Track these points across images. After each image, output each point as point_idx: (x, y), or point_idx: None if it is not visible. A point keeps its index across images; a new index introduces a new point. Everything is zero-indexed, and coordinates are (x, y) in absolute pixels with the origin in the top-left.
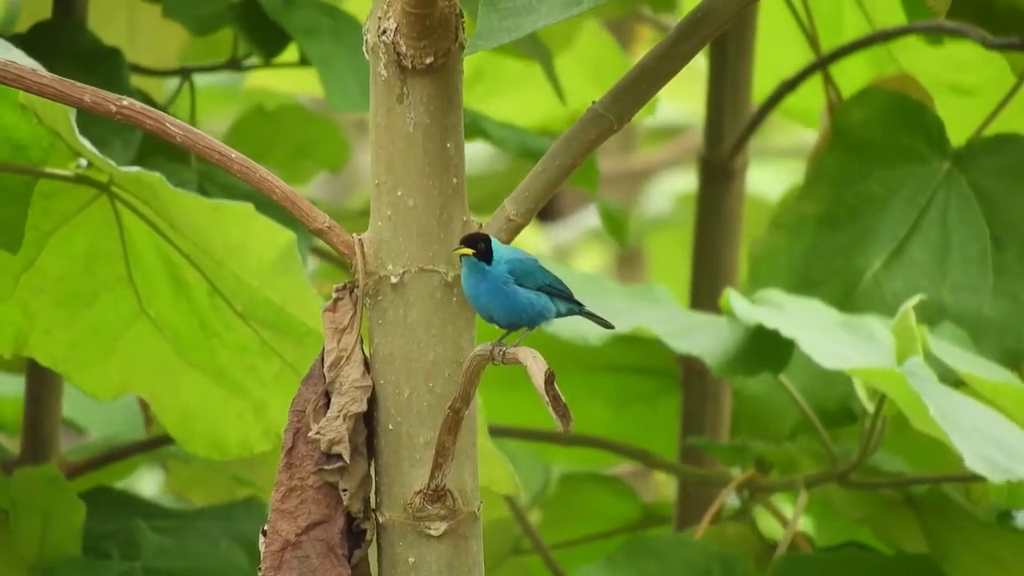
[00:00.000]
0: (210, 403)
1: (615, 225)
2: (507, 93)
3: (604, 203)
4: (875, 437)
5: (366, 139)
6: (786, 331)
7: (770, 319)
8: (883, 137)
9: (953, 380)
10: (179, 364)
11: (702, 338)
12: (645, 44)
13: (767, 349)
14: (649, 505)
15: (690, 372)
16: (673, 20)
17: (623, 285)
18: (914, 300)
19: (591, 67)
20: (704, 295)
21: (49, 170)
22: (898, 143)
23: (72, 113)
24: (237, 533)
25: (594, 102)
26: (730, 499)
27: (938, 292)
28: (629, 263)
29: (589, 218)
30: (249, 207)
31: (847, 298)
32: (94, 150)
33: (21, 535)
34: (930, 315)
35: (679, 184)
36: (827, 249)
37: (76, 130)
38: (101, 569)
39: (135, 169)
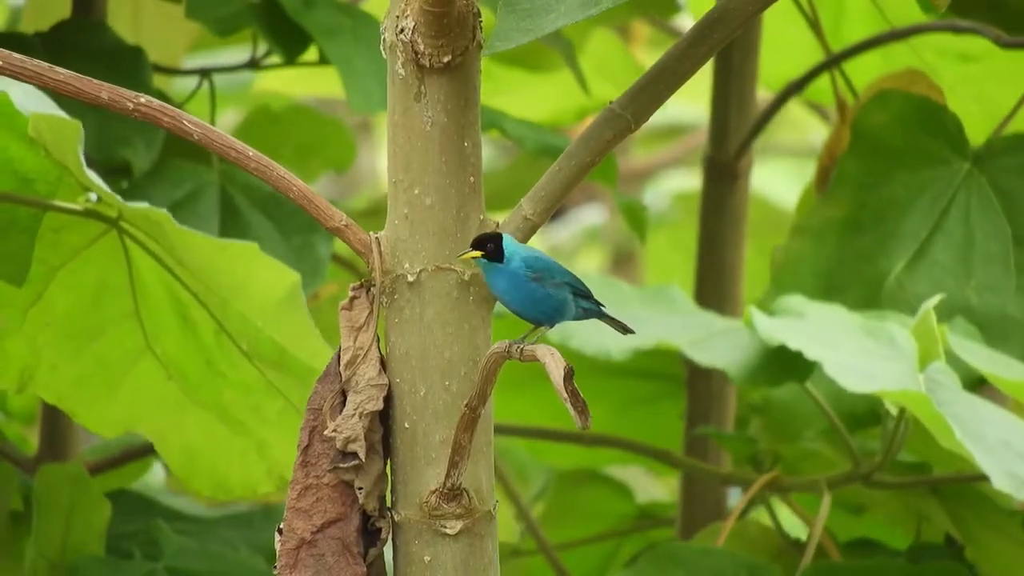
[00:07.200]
0: (214, 442)
1: (636, 218)
2: (516, 89)
3: (623, 197)
4: (898, 439)
5: (368, 140)
6: (811, 353)
7: (794, 339)
8: (903, 140)
9: (975, 379)
10: (184, 402)
11: (724, 349)
12: (642, 42)
13: (791, 359)
14: (647, 505)
15: (695, 372)
16: (672, 20)
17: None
18: (934, 300)
19: (599, 65)
20: (708, 296)
21: (58, 203)
22: (918, 145)
23: (80, 147)
24: (256, 541)
25: (611, 102)
26: (734, 498)
27: (963, 292)
28: (624, 263)
29: (584, 217)
30: (254, 247)
31: (871, 302)
32: (102, 184)
33: (43, 533)
34: (956, 316)
35: (676, 183)
36: (850, 254)
37: (84, 164)
38: (124, 569)
39: (143, 205)
